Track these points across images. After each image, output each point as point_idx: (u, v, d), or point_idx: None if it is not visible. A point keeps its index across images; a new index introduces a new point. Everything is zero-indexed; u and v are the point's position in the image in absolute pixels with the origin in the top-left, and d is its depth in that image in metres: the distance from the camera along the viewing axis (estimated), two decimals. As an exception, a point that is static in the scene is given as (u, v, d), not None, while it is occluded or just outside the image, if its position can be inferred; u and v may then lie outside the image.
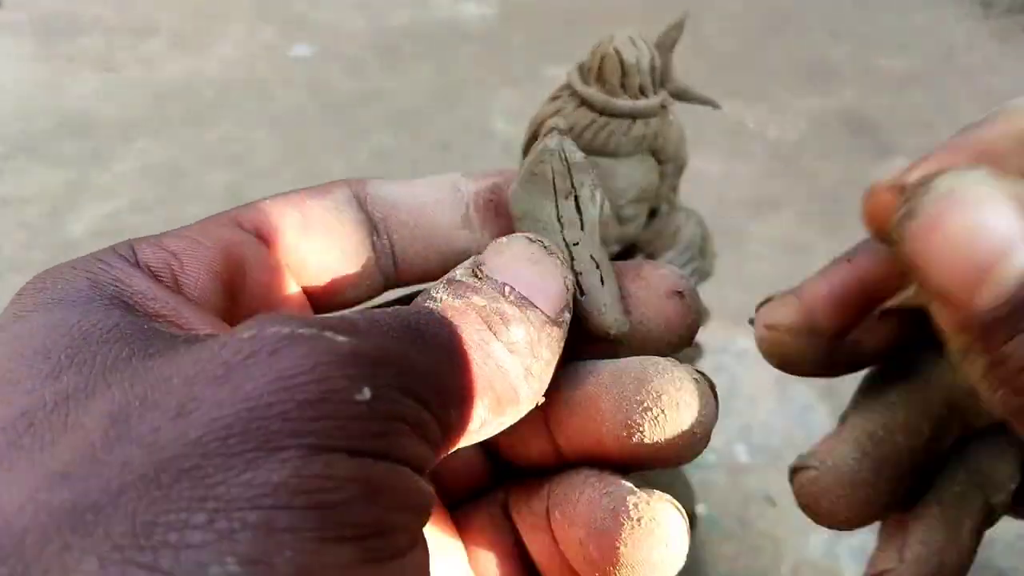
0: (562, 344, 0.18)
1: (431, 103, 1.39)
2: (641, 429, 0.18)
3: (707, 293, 1.06)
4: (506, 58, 1.52)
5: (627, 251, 0.46)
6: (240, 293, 0.19)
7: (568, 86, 0.43)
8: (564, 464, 0.19)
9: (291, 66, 1.48)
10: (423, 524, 0.14)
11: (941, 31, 1.64)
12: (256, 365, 0.13)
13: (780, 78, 1.47)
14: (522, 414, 0.18)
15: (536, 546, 0.19)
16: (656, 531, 0.17)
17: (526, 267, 0.18)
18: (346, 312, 0.18)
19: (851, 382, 0.89)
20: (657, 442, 0.18)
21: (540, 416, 0.19)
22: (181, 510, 0.11)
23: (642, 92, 0.41)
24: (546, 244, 0.18)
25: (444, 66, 1.49)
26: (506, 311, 0.17)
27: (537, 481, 0.20)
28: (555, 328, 0.18)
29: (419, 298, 0.17)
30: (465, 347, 0.16)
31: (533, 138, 0.44)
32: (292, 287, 0.20)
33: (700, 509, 0.67)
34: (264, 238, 0.20)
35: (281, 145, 1.27)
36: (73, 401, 0.13)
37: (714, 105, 0.45)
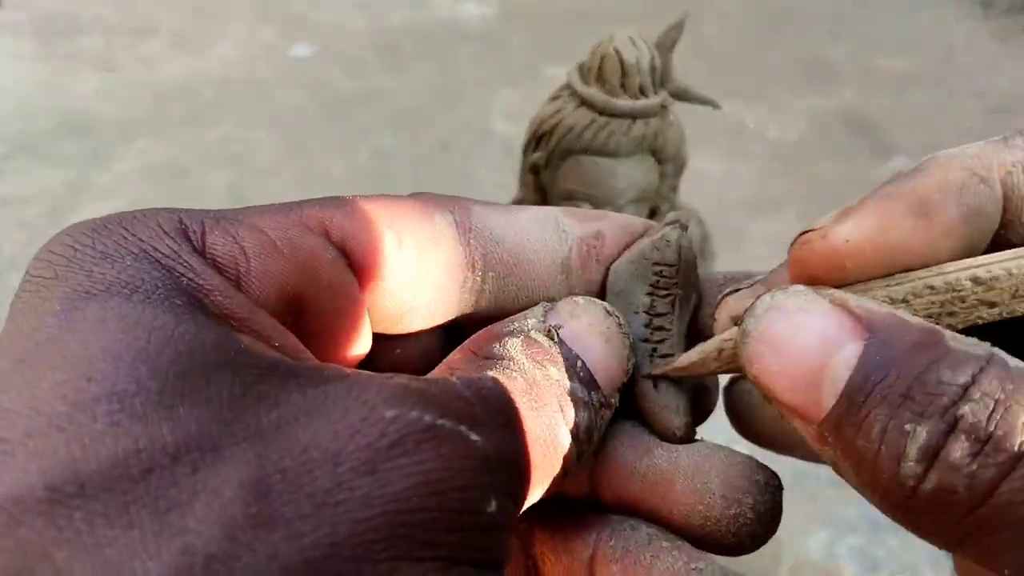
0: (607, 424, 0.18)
1: (431, 103, 1.39)
2: (720, 525, 0.17)
3: (707, 293, 1.06)
4: (506, 58, 1.52)
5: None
6: (302, 315, 0.17)
7: (568, 86, 0.43)
8: (599, 504, 0.19)
9: (291, 66, 1.48)
10: None
11: (941, 31, 1.65)
12: (403, 459, 0.13)
13: (780, 78, 1.48)
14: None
15: None
16: None
17: (599, 342, 0.17)
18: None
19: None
20: (730, 539, 0.17)
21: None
22: None
23: (642, 92, 0.41)
24: (620, 322, 0.18)
25: (444, 66, 1.49)
26: (577, 393, 0.16)
27: (575, 522, 0.18)
28: (609, 412, 0.17)
29: (496, 349, 0.17)
30: (543, 434, 0.16)
31: (533, 138, 0.44)
32: (364, 322, 0.18)
33: (700, 509, 0.68)
34: (350, 257, 0.18)
35: (281, 144, 1.27)
36: (199, 453, 0.12)
37: (714, 105, 0.45)
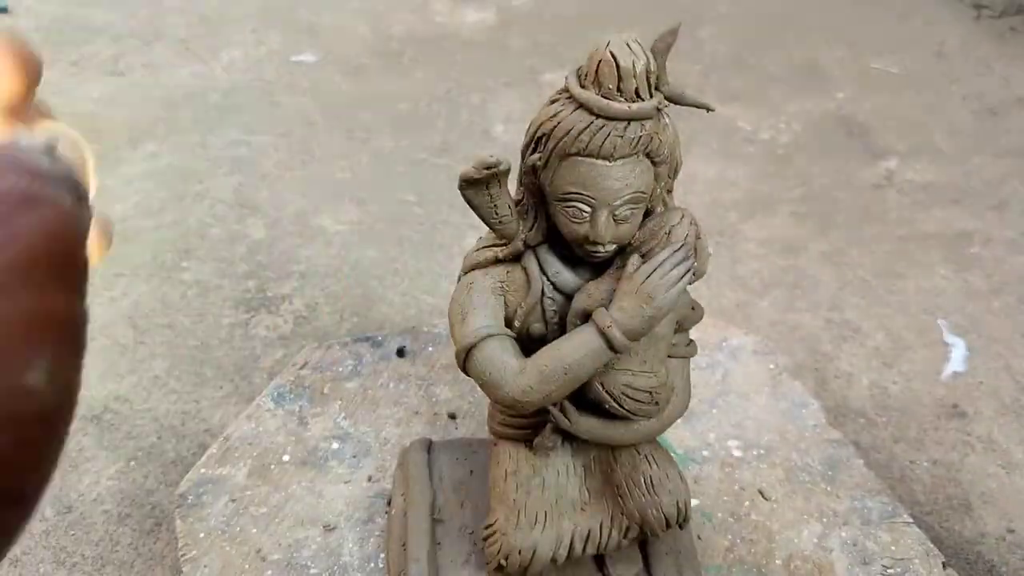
0: None
1: (432, 107, 1.41)
2: None
3: (701, 292, 1.08)
4: (505, 63, 1.54)
5: (621, 251, 0.47)
6: None
7: (566, 90, 0.44)
8: None
9: (295, 72, 1.50)
10: None
11: (933, 34, 1.67)
12: (21, 217, 0.17)
13: (774, 81, 1.50)
14: None
15: None
16: None
17: None
18: None
19: (843, 380, 0.92)
20: None
21: None
22: None
23: (638, 95, 0.42)
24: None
25: (444, 71, 1.51)
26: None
27: None
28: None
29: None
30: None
31: (532, 140, 0.45)
32: None
33: (694, 503, 0.69)
34: None
35: (286, 148, 1.29)
36: None
37: (708, 108, 0.46)
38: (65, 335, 0.17)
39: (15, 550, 0.73)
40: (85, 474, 0.79)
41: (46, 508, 0.76)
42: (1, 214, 0.16)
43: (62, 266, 0.17)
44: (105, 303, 0.98)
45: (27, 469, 0.16)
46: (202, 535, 0.64)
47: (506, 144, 1.29)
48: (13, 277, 0.16)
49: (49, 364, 0.16)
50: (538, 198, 0.47)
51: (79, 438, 0.81)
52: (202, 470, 0.70)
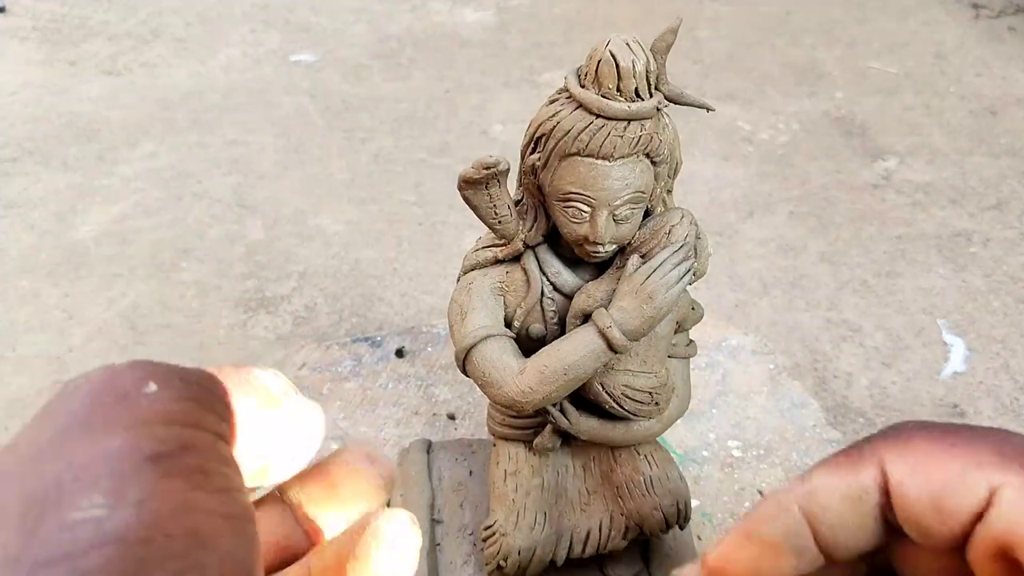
0: None
1: (431, 107, 1.40)
2: None
3: (700, 292, 1.09)
4: (504, 63, 1.53)
5: (620, 251, 0.47)
6: None
7: (565, 89, 0.44)
8: None
9: (294, 72, 1.50)
10: None
11: (931, 34, 1.67)
12: None
13: (772, 81, 1.50)
14: None
15: None
16: None
17: None
18: None
19: (843, 380, 0.92)
20: None
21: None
22: None
23: (637, 95, 0.42)
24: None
25: (443, 71, 1.51)
26: None
27: None
28: None
29: None
30: None
31: (531, 140, 0.45)
32: None
33: (694, 503, 0.69)
34: None
35: (284, 149, 1.29)
36: None
37: (707, 108, 0.46)
38: None
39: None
40: (83, 475, 0.79)
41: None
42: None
43: None
44: (103, 304, 0.98)
45: None
46: (201, 536, 0.64)
47: (505, 144, 1.29)
48: None
49: None
50: (538, 198, 0.47)
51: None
52: (201, 471, 0.69)
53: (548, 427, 0.52)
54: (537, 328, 0.49)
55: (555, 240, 0.48)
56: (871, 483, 0.18)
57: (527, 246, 0.48)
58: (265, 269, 1.04)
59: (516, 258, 0.49)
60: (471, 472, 0.64)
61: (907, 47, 1.62)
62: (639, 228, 0.46)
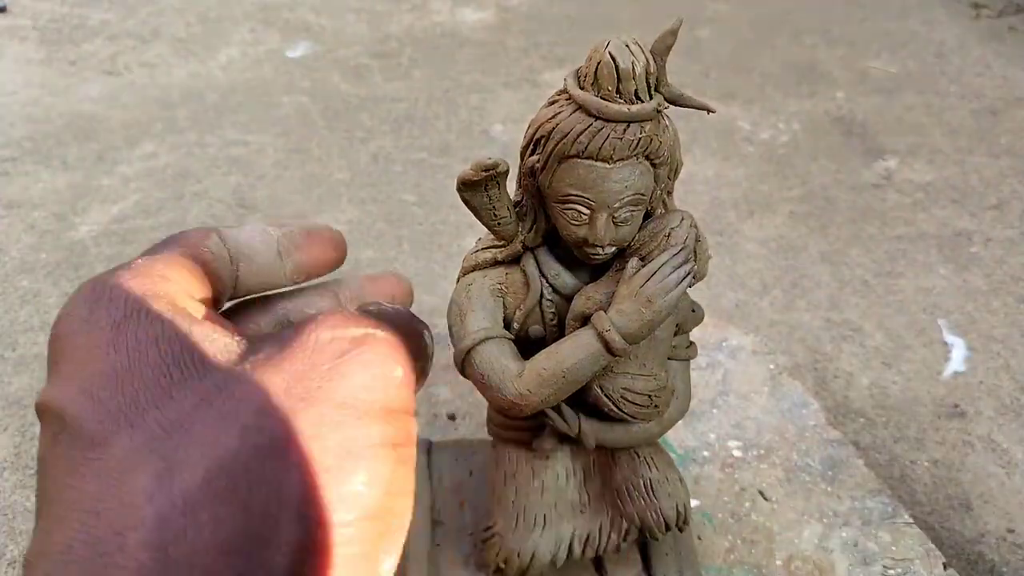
0: None
1: (431, 107, 1.40)
2: None
3: (701, 292, 1.08)
4: (504, 63, 1.53)
5: (620, 253, 0.47)
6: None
7: (564, 91, 0.43)
8: None
9: (293, 71, 1.50)
10: None
11: (931, 33, 1.66)
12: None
13: (772, 81, 1.49)
14: None
15: None
16: None
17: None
18: None
19: (843, 380, 0.92)
20: None
21: None
22: None
23: (637, 97, 0.41)
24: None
25: (443, 71, 1.51)
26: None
27: None
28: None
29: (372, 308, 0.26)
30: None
31: (531, 142, 0.45)
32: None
33: (694, 504, 0.69)
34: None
35: (284, 148, 1.28)
36: None
37: (708, 109, 0.46)
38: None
39: (13, 551, 0.73)
40: (83, 475, 0.79)
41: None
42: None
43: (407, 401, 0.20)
44: (103, 304, 0.98)
45: None
46: (201, 537, 0.64)
47: (505, 144, 1.29)
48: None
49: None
50: (537, 200, 0.47)
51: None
52: (200, 472, 0.69)
53: (547, 429, 0.52)
54: (536, 330, 0.49)
55: (554, 242, 0.48)
56: None
57: (526, 248, 0.48)
58: (265, 269, 1.04)
59: (515, 260, 0.49)
60: (471, 472, 0.64)
61: (907, 47, 1.62)
62: (639, 230, 0.46)
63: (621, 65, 0.41)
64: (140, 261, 0.22)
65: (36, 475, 0.17)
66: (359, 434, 0.18)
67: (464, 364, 0.47)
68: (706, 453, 0.73)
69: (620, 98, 0.41)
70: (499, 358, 0.46)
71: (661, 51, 0.43)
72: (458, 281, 0.51)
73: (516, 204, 0.47)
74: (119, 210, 1.14)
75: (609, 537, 0.54)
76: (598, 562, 0.58)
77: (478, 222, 0.47)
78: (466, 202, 0.45)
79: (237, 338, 0.19)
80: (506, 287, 0.49)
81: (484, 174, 0.43)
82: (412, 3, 1.74)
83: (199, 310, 0.21)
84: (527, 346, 0.48)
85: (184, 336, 0.18)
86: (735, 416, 0.76)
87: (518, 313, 0.48)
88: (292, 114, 1.37)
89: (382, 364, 0.19)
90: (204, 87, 1.44)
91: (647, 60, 0.42)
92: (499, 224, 0.46)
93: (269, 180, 1.21)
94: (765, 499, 0.69)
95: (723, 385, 0.80)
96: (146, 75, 1.47)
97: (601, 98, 0.41)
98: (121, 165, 1.23)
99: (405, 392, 0.20)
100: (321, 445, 0.17)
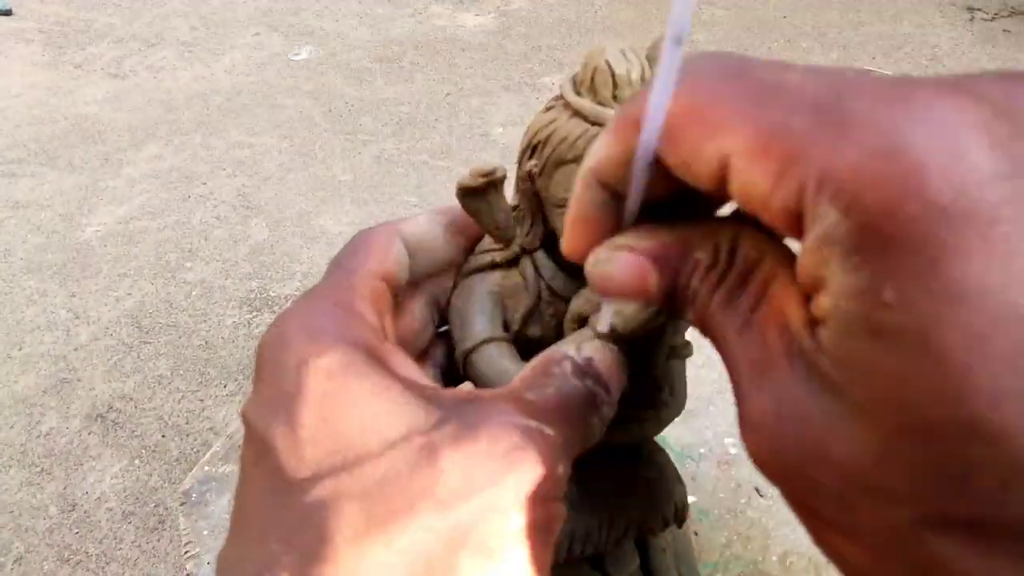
0: None
1: (432, 110, 1.42)
2: None
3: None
4: (504, 67, 1.55)
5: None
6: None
7: (561, 97, 0.44)
8: None
9: (297, 74, 1.51)
10: None
11: (926, 36, 1.67)
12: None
13: (772, 85, 1.50)
14: None
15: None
16: None
17: (612, 367, 0.27)
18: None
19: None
20: None
21: None
22: None
23: None
24: (620, 351, 0.27)
25: (444, 74, 1.52)
26: (601, 398, 0.25)
27: None
28: (612, 409, 0.26)
29: (555, 370, 0.25)
30: (585, 425, 0.24)
31: (528, 147, 0.46)
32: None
33: (690, 500, 0.70)
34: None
35: (288, 151, 1.30)
36: None
37: None
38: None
39: (19, 547, 0.74)
40: (90, 472, 0.80)
41: (50, 506, 0.77)
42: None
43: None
44: (110, 303, 0.99)
45: None
46: (206, 532, 0.65)
47: (505, 146, 1.30)
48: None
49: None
50: (535, 203, 0.48)
51: (84, 436, 0.82)
52: (206, 468, 0.71)
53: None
54: (535, 331, 0.50)
55: (553, 245, 0.49)
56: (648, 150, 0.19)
57: (524, 251, 0.49)
58: (269, 269, 1.06)
59: (514, 263, 0.50)
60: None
61: (902, 50, 1.63)
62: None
63: (617, 71, 0.42)
64: (343, 286, 0.23)
65: (238, 480, 0.19)
66: (516, 520, 0.19)
67: (465, 366, 0.48)
68: (703, 450, 0.74)
69: (616, 104, 0.43)
70: (499, 360, 0.47)
71: (656, 58, 0.44)
72: (457, 284, 0.52)
73: (514, 208, 0.48)
74: (125, 211, 1.15)
75: (608, 534, 0.55)
76: (596, 559, 0.59)
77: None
78: (466, 208, 0.47)
79: (427, 407, 0.20)
80: (505, 290, 0.50)
81: (483, 181, 0.44)
82: (414, 8, 1.76)
83: (402, 363, 0.22)
84: (526, 347, 0.49)
85: (390, 401, 0.20)
86: (732, 413, 0.77)
87: (517, 315, 0.49)
88: (296, 117, 1.38)
89: (546, 463, 0.20)
90: (209, 90, 1.45)
91: (643, 66, 0.43)
92: (498, 228, 0.47)
93: (273, 182, 1.22)
94: (761, 495, 0.70)
95: (720, 383, 0.81)
96: (151, 78, 1.48)
97: (597, 103, 0.43)
98: (127, 167, 1.24)
99: (563, 483, 0.21)
100: (487, 529, 0.18)
